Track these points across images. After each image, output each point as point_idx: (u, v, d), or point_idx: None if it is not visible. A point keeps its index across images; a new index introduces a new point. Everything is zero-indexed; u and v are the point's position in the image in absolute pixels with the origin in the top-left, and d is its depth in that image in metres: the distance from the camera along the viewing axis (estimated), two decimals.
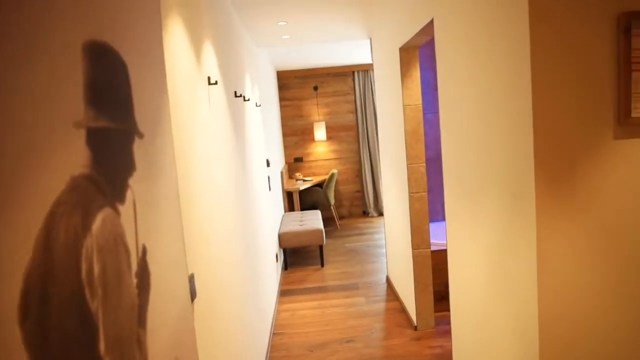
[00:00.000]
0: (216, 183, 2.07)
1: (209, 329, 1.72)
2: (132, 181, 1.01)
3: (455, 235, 2.31)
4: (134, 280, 0.99)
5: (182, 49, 1.70)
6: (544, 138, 1.44)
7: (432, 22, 2.43)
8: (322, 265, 5.26)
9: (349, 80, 7.45)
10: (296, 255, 5.81)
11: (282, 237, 5.07)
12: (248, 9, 3.10)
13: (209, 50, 2.16)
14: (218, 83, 2.32)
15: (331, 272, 5.05)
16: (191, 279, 1.52)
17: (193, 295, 1.51)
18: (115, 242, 0.91)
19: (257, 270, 3.24)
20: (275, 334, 3.72)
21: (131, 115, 1.03)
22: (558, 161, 1.45)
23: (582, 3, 1.40)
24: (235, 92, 2.82)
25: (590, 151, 1.45)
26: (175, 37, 1.61)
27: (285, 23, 3.61)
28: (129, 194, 0.99)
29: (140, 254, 1.03)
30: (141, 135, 1.08)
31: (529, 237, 1.52)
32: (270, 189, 4.62)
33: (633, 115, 1.45)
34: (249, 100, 3.24)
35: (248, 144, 3.30)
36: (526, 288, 1.56)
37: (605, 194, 1.46)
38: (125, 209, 0.96)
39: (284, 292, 4.58)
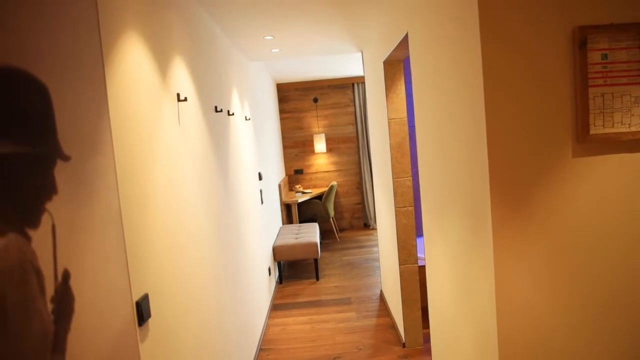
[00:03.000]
0: (184, 199, 2.05)
1: (169, 349, 1.70)
2: (50, 205, 0.99)
3: (431, 252, 2.26)
4: (50, 306, 0.97)
5: (144, 66, 1.69)
6: (499, 157, 1.40)
7: (407, 36, 2.41)
8: (317, 279, 5.21)
9: (349, 92, 7.44)
10: (293, 268, 5.76)
11: (276, 251, 5.04)
12: (230, 24, 3.11)
13: (179, 66, 2.16)
14: (190, 99, 2.32)
15: (326, 286, 5.00)
16: (143, 300, 1.49)
17: (144, 316, 1.49)
18: (22, 268, 0.89)
19: (241, 285, 3.20)
20: (262, 349, 3.67)
21: (52, 138, 1.02)
22: (515, 181, 1.41)
23: (535, 18, 1.37)
24: (216, 107, 2.81)
25: (549, 170, 1.41)
26: (134, 55, 1.60)
27: (272, 37, 3.61)
28: (45, 218, 0.97)
29: (60, 278, 1.01)
30: (66, 158, 1.06)
31: (487, 257, 1.47)
32: (262, 202, 4.60)
33: (592, 132, 1.40)
34: (233, 114, 3.23)
35: (234, 159, 3.29)
36: (486, 307, 1.51)
37: (564, 213, 1.41)
38: (39, 234, 0.94)
39: (277, 307, 4.54)
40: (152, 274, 1.61)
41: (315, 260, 5.17)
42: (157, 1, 1.92)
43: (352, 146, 7.51)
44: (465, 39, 1.48)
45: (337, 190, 7.57)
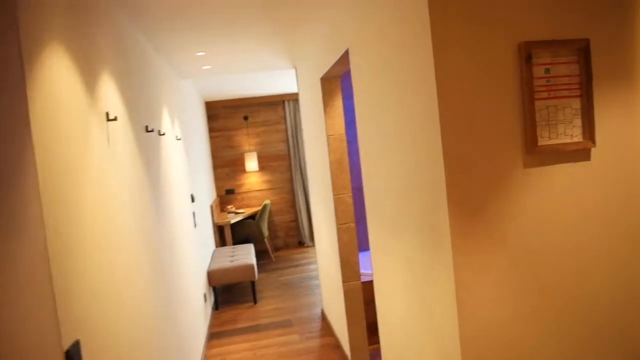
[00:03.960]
0: (118, 229, 1.86)
1: None
2: None
3: (381, 268, 2.23)
4: None
5: (70, 84, 1.51)
6: (455, 170, 1.39)
7: (347, 52, 2.40)
8: (255, 302, 5.03)
9: (280, 109, 7.39)
10: (228, 293, 5.53)
11: (211, 275, 4.81)
12: (160, 39, 2.94)
13: (107, 83, 1.98)
14: (120, 118, 2.13)
15: (264, 309, 4.84)
16: (74, 347, 1.30)
17: None
18: None
19: (179, 318, 2.99)
20: None
21: None
22: (471, 194, 1.40)
23: (485, 34, 1.39)
24: (147, 127, 2.63)
25: (502, 182, 1.42)
26: (60, 72, 1.43)
27: (203, 53, 3.48)
28: None
29: None
30: None
31: (446, 269, 1.45)
32: (195, 226, 4.38)
33: (540, 143, 1.44)
34: (164, 134, 3.04)
35: (165, 180, 3.09)
36: (447, 320, 1.49)
37: (517, 223, 1.43)
38: None
39: (214, 335, 4.30)
40: (84, 316, 1.42)
41: (253, 283, 5.00)
42: (83, 15, 1.74)
43: (284, 164, 7.44)
44: (417, 55, 1.47)
45: (270, 209, 7.44)
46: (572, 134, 1.46)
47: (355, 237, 3.37)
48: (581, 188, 1.47)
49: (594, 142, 1.46)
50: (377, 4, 1.80)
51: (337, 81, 3.27)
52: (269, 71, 4.81)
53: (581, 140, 1.47)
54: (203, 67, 4.02)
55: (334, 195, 3.32)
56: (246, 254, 5.28)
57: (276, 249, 7.47)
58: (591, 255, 1.48)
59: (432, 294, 1.59)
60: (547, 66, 1.43)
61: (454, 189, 1.39)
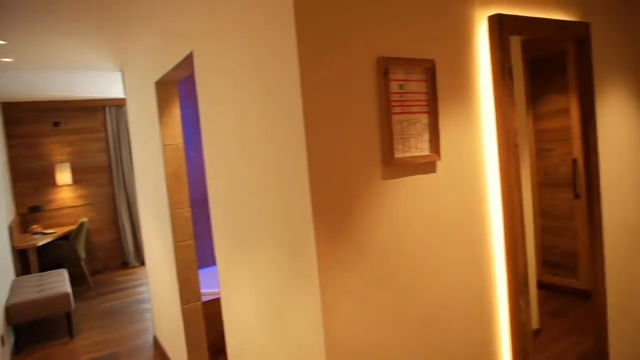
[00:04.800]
0: None
1: None
2: None
3: (230, 286, 2.08)
4: None
5: None
6: (320, 184, 1.35)
7: (191, 55, 2.21)
8: (72, 336, 4.33)
9: (100, 115, 6.62)
10: (34, 330, 4.66)
11: (11, 311, 3.98)
12: None
13: None
14: None
15: (84, 344, 4.19)
16: None
17: None
18: None
19: None
20: None
21: None
22: (335, 207, 1.37)
23: (346, 47, 1.38)
24: None
25: (363, 192, 1.42)
26: None
27: (4, 42, 2.87)
28: None
29: None
30: None
31: (311, 285, 1.39)
32: None
33: (396, 156, 1.49)
34: None
35: None
36: (311, 337, 1.43)
37: (377, 236, 1.45)
38: None
39: None
40: None
41: (68, 314, 4.30)
42: None
43: (104, 177, 6.67)
44: (281, 65, 1.39)
45: (87, 228, 6.57)
46: (421, 148, 1.55)
47: (194, 254, 3.13)
48: (429, 198, 1.56)
49: (439, 155, 1.57)
50: (230, 3, 1.68)
51: (174, 87, 3.02)
52: (89, 72, 4.25)
53: (429, 153, 1.57)
54: (2, 60, 3.33)
55: (170, 210, 3.04)
56: (58, 281, 4.52)
57: (95, 272, 6.62)
58: (439, 262, 1.58)
59: (294, 311, 1.51)
60: (402, 82, 1.50)
61: (319, 203, 1.34)
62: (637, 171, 2.43)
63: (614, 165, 2.29)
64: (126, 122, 6.70)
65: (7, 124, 6.06)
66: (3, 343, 3.62)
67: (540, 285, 2.17)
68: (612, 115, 2.28)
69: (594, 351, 2.24)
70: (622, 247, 2.35)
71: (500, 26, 1.70)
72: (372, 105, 1.44)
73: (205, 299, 3.35)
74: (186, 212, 3.10)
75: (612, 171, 2.28)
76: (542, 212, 2.25)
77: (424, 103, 1.55)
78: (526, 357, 1.78)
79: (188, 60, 2.32)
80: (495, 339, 1.76)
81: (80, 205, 6.51)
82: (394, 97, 1.48)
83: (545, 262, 2.23)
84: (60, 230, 5.89)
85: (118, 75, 4.72)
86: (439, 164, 1.59)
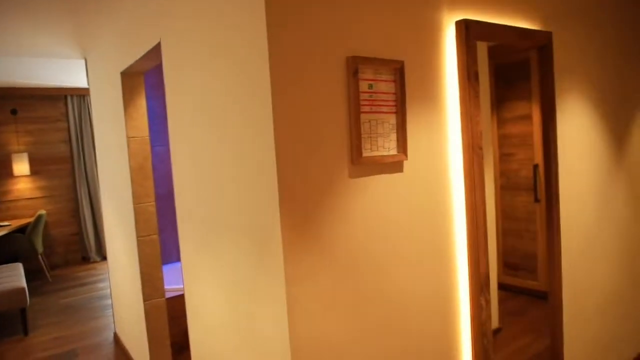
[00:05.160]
0: None
1: None
2: None
3: (194, 281, 2.04)
4: None
5: None
6: (287, 180, 1.34)
7: (159, 45, 2.16)
8: (26, 333, 4.17)
9: (61, 104, 6.39)
10: None
11: None
12: None
13: None
14: None
15: (40, 340, 4.04)
16: None
17: None
18: None
19: None
20: None
21: None
22: (302, 204, 1.37)
23: (317, 44, 1.38)
24: None
25: (331, 190, 1.43)
26: None
27: None
28: None
29: None
30: None
31: (276, 283, 1.38)
32: None
33: (364, 155, 1.50)
34: None
35: None
36: (276, 336, 1.42)
37: (344, 233, 1.46)
38: None
39: None
40: None
41: (23, 310, 4.14)
42: None
43: (65, 167, 6.45)
44: (251, 58, 1.37)
45: (46, 221, 6.35)
46: (389, 147, 1.57)
47: (158, 249, 3.07)
48: (395, 197, 1.58)
49: (406, 155, 1.59)
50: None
51: (141, 77, 2.95)
52: (50, 59, 4.09)
53: (396, 153, 1.58)
54: None
55: (134, 204, 2.97)
56: (13, 276, 4.35)
57: (54, 267, 6.40)
58: (403, 261, 1.61)
59: (259, 306, 1.50)
60: (371, 82, 1.50)
61: (286, 197, 1.34)
62: (594, 176, 2.53)
63: (572, 171, 2.38)
64: (89, 112, 6.50)
65: None
66: None
67: (501, 286, 2.23)
68: (571, 121, 2.36)
69: (550, 350, 2.32)
70: (578, 250, 2.44)
71: (467, 31, 1.73)
72: (341, 103, 1.44)
73: (169, 295, 3.29)
74: (151, 206, 3.03)
75: (570, 176, 2.37)
76: (504, 215, 2.31)
77: (393, 103, 1.57)
78: (486, 355, 1.83)
79: (156, 51, 2.26)
80: (457, 336, 1.80)
81: (39, 197, 6.28)
82: (363, 97, 1.49)
83: (506, 264, 2.30)
84: (17, 223, 5.67)
85: (81, 63, 4.57)
86: (405, 163, 1.61)
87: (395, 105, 1.57)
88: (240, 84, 1.46)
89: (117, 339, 3.95)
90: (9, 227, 5.37)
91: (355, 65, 1.45)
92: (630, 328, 2.94)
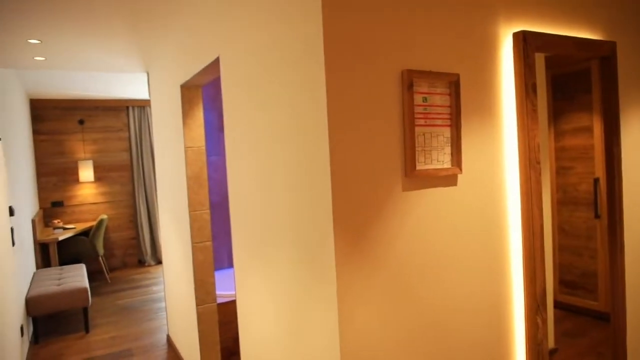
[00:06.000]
0: None
1: None
2: None
3: (246, 289, 2.10)
4: None
5: None
6: (341, 193, 1.36)
7: (217, 60, 2.26)
8: (87, 330, 4.41)
9: (123, 115, 6.75)
10: (52, 322, 4.76)
11: (31, 303, 4.07)
12: None
13: None
14: None
15: (99, 339, 4.26)
16: None
17: None
18: None
19: None
20: None
21: None
22: (355, 217, 1.39)
23: (372, 58, 1.41)
24: None
25: (383, 205, 1.44)
26: None
27: (38, 42, 2.97)
28: None
29: None
30: None
31: (329, 294, 1.40)
32: (14, 244, 3.67)
33: (418, 168, 1.50)
34: None
35: None
36: (326, 346, 1.44)
37: (396, 245, 1.46)
38: None
39: None
40: None
41: (85, 309, 4.38)
42: None
43: (125, 175, 6.79)
44: (308, 74, 1.42)
45: (107, 225, 6.70)
46: (443, 160, 1.56)
47: (211, 256, 3.17)
48: (449, 211, 1.57)
49: (460, 168, 1.58)
50: (258, 13, 1.72)
51: (199, 90, 3.08)
52: (115, 73, 4.35)
53: (450, 166, 1.57)
54: (35, 58, 3.44)
55: (190, 211, 3.09)
56: (77, 276, 4.62)
57: (112, 269, 6.73)
58: (458, 275, 1.59)
59: (310, 317, 1.53)
60: (425, 95, 1.51)
61: (340, 212, 1.36)
62: None
63: (636, 186, 2.27)
64: (148, 123, 6.83)
65: (35, 120, 6.23)
66: (22, 333, 3.71)
67: (557, 305, 2.15)
68: (636, 134, 2.25)
69: None
70: None
71: (525, 43, 1.70)
72: (395, 116, 1.45)
73: (220, 300, 3.39)
74: (205, 213, 3.15)
75: (634, 192, 2.26)
76: (561, 230, 2.23)
77: (447, 116, 1.56)
78: None
79: (214, 65, 2.37)
80: (511, 356, 1.75)
81: (101, 203, 6.63)
82: (418, 110, 1.50)
83: (562, 282, 2.21)
84: (81, 226, 6.02)
85: (141, 76, 4.82)
86: (460, 177, 1.60)
87: (450, 119, 1.57)
88: (296, 97, 1.50)
89: (169, 341, 4.10)
90: (74, 230, 5.71)
91: (410, 79, 1.46)
92: None
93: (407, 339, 1.48)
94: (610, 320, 2.20)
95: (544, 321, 1.76)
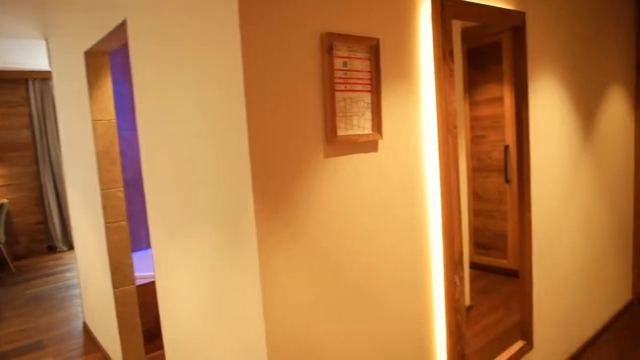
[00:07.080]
0: None
1: None
2: None
3: (166, 267, 2.00)
4: None
5: None
6: (260, 161, 1.31)
7: (124, 23, 2.07)
8: None
9: (22, 89, 6.12)
10: None
11: None
12: None
13: None
14: None
15: (5, 333, 3.91)
16: None
17: None
18: None
19: None
20: None
21: None
22: (276, 185, 1.34)
23: (290, 20, 1.34)
24: None
25: (304, 172, 1.40)
26: None
27: None
28: None
29: None
30: None
31: (251, 264, 1.36)
32: None
33: (339, 134, 1.47)
34: None
35: None
36: (252, 320, 1.40)
37: (318, 213, 1.44)
38: None
39: None
40: None
41: None
42: None
43: (27, 154, 6.20)
44: (222, 37, 1.32)
45: (8, 209, 6.11)
46: (364, 126, 1.55)
47: (128, 236, 2.99)
48: (370, 177, 1.57)
49: (381, 134, 1.57)
50: None
51: (106, 58, 2.83)
52: (8, 39, 3.89)
53: (371, 132, 1.57)
54: None
55: (101, 190, 2.87)
56: None
57: (17, 257, 6.19)
58: (378, 239, 1.60)
59: (232, 292, 1.48)
60: (345, 59, 1.48)
61: (260, 180, 1.31)
62: (565, 157, 2.59)
63: (543, 152, 2.42)
64: (52, 97, 6.25)
65: None
66: None
67: (472, 265, 2.27)
68: (543, 102, 2.40)
69: (520, 325, 2.38)
70: (547, 230, 2.50)
71: (443, 9, 1.72)
72: (315, 81, 1.41)
73: (139, 282, 3.23)
74: (119, 191, 2.94)
75: (541, 157, 2.41)
76: (475, 196, 2.34)
77: (368, 82, 1.54)
78: (460, 331, 1.85)
79: (121, 29, 2.17)
80: (431, 313, 1.82)
81: (0, 186, 6.03)
82: (338, 74, 1.46)
83: (477, 243, 2.33)
84: None
85: (40, 44, 4.37)
86: (380, 142, 1.60)
87: (370, 84, 1.55)
88: (211, 63, 1.41)
89: (86, 329, 3.86)
90: None
91: (330, 42, 1.42)
92: (595, 298, 3.05)
93: (331, 304, 1.48)
94: (519, 276, 2.37)
95: (461, 279, 1.85)
